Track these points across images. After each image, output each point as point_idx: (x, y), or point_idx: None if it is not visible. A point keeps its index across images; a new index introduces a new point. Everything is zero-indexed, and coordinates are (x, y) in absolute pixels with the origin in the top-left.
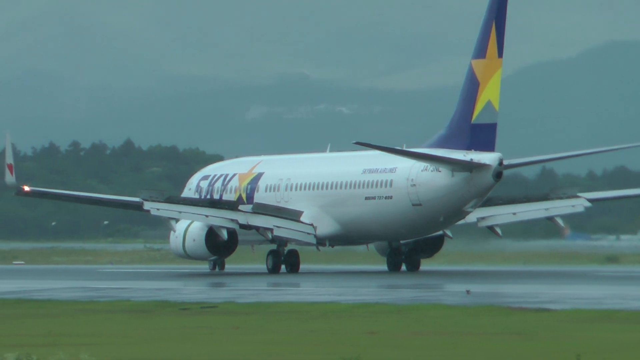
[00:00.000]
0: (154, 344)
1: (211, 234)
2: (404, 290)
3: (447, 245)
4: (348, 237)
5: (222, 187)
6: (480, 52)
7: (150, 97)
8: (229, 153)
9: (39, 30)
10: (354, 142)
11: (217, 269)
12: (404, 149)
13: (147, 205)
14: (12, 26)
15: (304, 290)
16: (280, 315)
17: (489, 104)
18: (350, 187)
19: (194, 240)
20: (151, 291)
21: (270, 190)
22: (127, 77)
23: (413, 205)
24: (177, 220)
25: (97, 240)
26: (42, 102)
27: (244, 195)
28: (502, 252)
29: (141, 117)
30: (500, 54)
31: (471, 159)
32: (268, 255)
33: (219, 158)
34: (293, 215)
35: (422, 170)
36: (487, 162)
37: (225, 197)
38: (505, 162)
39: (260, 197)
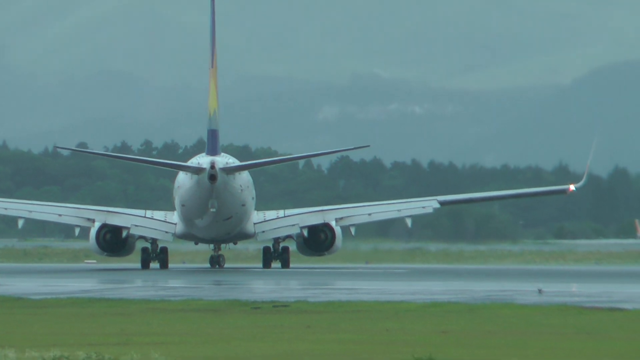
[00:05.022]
0: (225, 343)
1: (105, 232)
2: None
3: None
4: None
5: None
6: (211, 62)
7: (223, 97)
8: (301, 152)
9: (112, 29)
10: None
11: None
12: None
13: None
14: (86, 25)
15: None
16: (352, 315)
17: (214, 112)
18: None
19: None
20: (222, 290)
21: None
22: (201, 77)
23: (182, 205)
24: (24, 219)
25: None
26: (116, 102)
27: None
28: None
29: None
30: (212, 65)
31: (198, 163)
32: (141, 252)
33: None
34: None
35: (184, 174)
36: (204, 165)
37: None
38: (221, 167)
39: None
